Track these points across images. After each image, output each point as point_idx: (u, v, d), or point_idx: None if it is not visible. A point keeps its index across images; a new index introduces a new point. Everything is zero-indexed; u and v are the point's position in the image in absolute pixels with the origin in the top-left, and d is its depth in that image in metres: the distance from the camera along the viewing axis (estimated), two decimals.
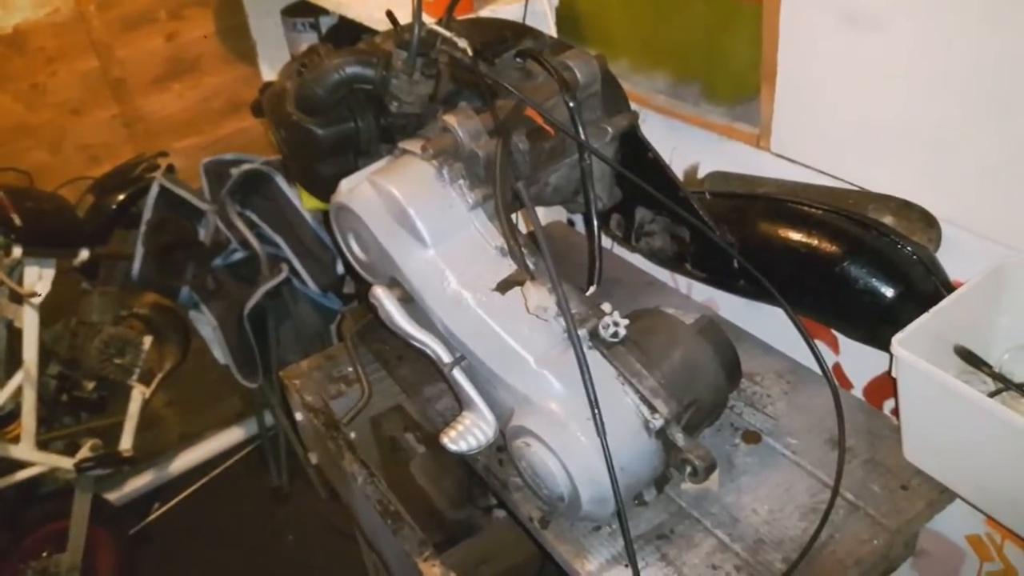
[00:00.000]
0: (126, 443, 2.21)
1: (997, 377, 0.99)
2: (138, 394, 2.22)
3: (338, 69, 1.01)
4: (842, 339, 1.25)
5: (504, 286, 0.93)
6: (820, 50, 1.10)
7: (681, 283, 1.50)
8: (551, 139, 1.05)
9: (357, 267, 1.10)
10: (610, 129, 1.10)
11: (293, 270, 2.08)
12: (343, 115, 1.07)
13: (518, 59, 1.11)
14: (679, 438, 0.95)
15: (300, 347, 2.26)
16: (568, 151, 1.10)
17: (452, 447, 1.00)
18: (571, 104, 1.04)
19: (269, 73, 2.45)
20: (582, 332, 0.93)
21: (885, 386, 1.23)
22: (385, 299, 1.01)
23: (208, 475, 2.67)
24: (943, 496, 1.02)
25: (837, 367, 1.28)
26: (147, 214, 2.02)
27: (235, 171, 2.06)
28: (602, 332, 0.95)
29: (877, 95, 1.06)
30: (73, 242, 1.99)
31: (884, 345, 1.09)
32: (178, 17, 2.37)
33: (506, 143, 0.97)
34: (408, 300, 1.02)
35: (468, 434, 1.01)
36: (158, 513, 2.57)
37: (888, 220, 1.08)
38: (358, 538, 1.70)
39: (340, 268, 2.12)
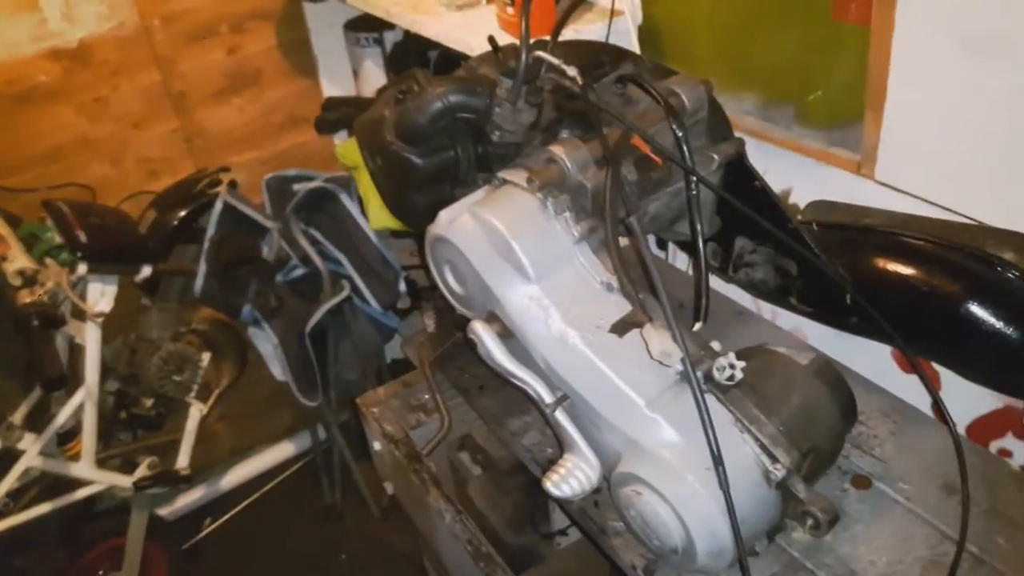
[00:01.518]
0: (183, 461, 2.20)
1: None
2: (196, 411, 2.20)
3: (442, 97, 0.97)
4: (945, 374, 1.19)
5: (621, 328, 0.89)
6: (937, 76, 1.05)
7: (764, 310, 1.45)
8: (658, 168, 1.00)
9: (451, 299, 1.06)
10: (716, 157, 1.06)
11: (355, 288, 2.05)
12: (443, 144, 1.03)
13: (618, 84, 1.07)
14: (800, 489, 0.89)
15: (358, 364, 2.23)
16: (671, 180, 1.05)
17: (555, 492, 0.96)
18: (679, 132, 0.99)
19: (330, 87, 2.44)
20: (698, 375, 0.88)
21: (991, 426, 1.17)
22: (485, 335, 0.97)
23: (260, 490, 2.64)
24: None
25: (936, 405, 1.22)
26: (210, 230, 2.01)
27: (297, 187, 2.03)
28: (717, 375, 0.90)
29: (997, 124, 1.01)
30: (136, 258, 1.98)
31: (1007, 388, 1.04)
32: (240, 30, 2.36)
33: (616, 174, 0.92)
34: (507, 335, 0.98)
35: (571, 477, 0.96)
36: (210, 529, 2.55)
37: (1009, 256, 1.02)
38: (427, 565, 1.67)
39: (402, 286, 2.09)
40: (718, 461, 0.84)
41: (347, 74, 2.32)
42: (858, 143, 1.20)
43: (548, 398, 0.96)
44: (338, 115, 2.16)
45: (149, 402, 2.15)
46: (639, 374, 0.91)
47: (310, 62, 2.43)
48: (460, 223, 0.98)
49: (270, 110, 2.48)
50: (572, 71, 0.94)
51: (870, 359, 1.23)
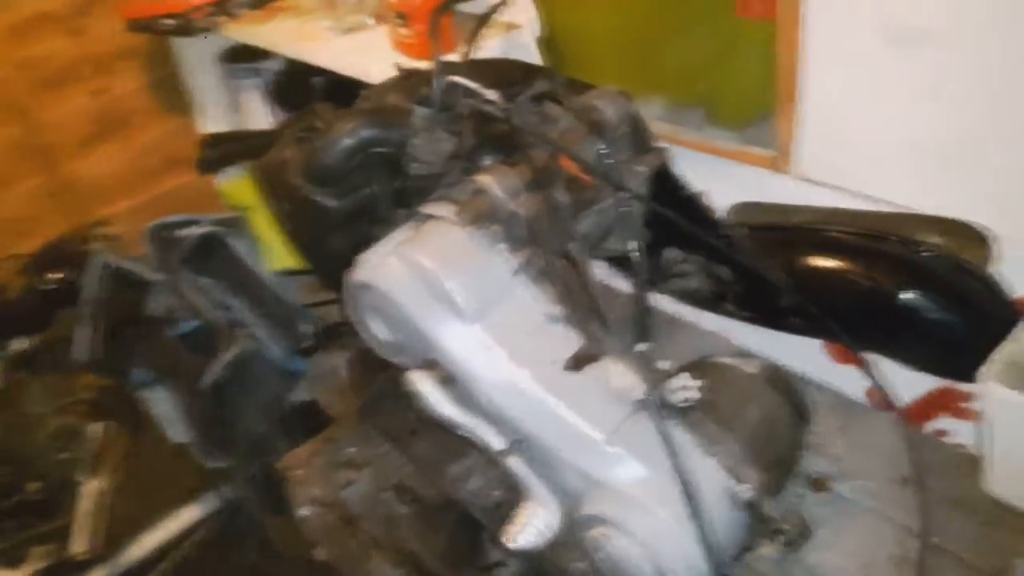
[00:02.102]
0: (80, 545, 2.00)
1: None
2: (90, 488, 2.02)
3: (353, 133, 0.90)
4: (876, 362, 1.20)
5: (577, 363, 0.83)
6: (853, 68, 1.04)
7: (687, 313, 1.43)
8: (589, 188, 0.95)
9: (379, 349, 0.97)
10: (642, 169, 1.02)
11: (255, 336, 1.92)
12: (357, 182, 0.95)
13: (534, 103, 1.01)
14: (769, 506, 0.86)
15: (264, 415, 2.10)
16: (600, 198, 1.00)
17: (515, 546, 0.89)
18: (605, 149, 0.95)
19: (208, 125, 2.29)
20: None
21: (926, 407, 1.18)
22: (425, 385, 0.90)
23: (169, 560, 2.46)
24: None
25: (872, 392, 1.22)
26: (90, 291, 1.84)
27: (183, 234, 1.89)
28: (671, 398, 0.86)
29: (917, 111, 1.01)
30: (6, 330, 1.80)
31: (951, 374, 1.04)
32: (105, 71, 2.18)
33: (550, 198, 0.87)
34: (449, 382, 0.91)
35: (530, 527, 0.90)
36: None
37: (936, 240, 1.02)
38: None
39: (305, 329, 1.97)
40: (691, 494, 0.79)
41: (225, 108, 2.19)
42: (771, 139, 1.19)
43: (500, 444, 0.89)
44: (222, 152, 2.03)
45: (34, 485, 1.95)
46: (595, 408, 0.86)
47: (183, 99, 2.28)
48: (385, 266, 0.90)
49: (144, 154, 2.31)
50: (493, 95, 0.88)
51: (801, 353, 1.21)
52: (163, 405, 2.04)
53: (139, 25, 1.83)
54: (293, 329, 1.99)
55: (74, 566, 1.94)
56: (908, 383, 1.12)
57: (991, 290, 0.98)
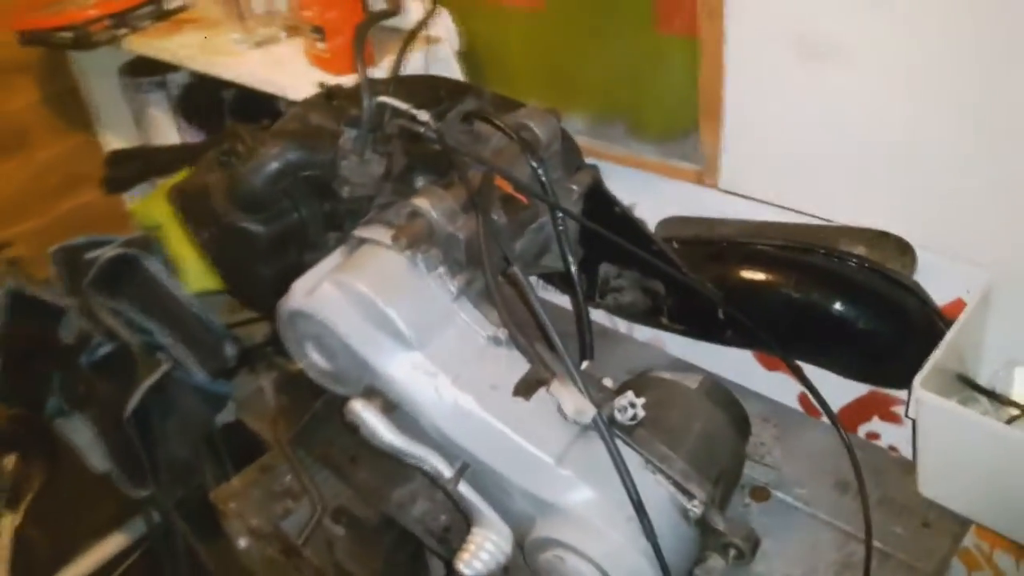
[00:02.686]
0: None
1: (994, 396, 1.00)
2: (7, 523, 1.92)
3: (279, 157, 0.86)
4: (807, 369, 1.22)
5: (526, 389, 0.82)
6: (774, 82, 1.06)
7: (620, 325, 1.44)
8: (525, 207, 0.95)
9: (318, 379, 0.94)
10: (575, 187, 1.02)
11: (174, 359, 1.85)
12: (284, 207, 0.92)
13: (464, 122, 1.00)
14: (718, 521, 0.87)
15: (188, 440, 2.02)
16: (536, 216, 1.00)
17: (469, 572, 0.87)
18: (538, 167, 0.94)
19: (112, 141, 2.19)
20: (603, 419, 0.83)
21: (858, 411, 1.21)
22: (366, 414, 0.87)
23: None
24: (963, 528, 1.00)
25: (804, 398, 1.25)
26: None
27: (92, 255, 1.80)
28: (619, 416, 0.86)
29: (840, 124, 1.03)
30: None
31: (882, 382, 1.07)
32: None
33: (487, 220, 0.86)
34: (391, 409, 0.88)
35: (482, 552, 0.89)
36: None
37: (861, 251, 1.05)
38: None
39: (230, 350, 1.91)
40: (641, 510, 0.79)
41: (129, 123, 2.09)
42: (696, 153, 1.20)
43: (447, 472, 0.88)
44: (129, 170, 1.95)
45: None
46: (543, 431, 0.85)
47: (84, 114, 2.18)
48: (320, 293, 0.87)
49: (43, 172, 2.19)
50: (424, 115, 0.87)
51: (732, 361, 1.24)
52: (81, 434, 1.95)
53: (33, 37, 1.73)
54: (216, 351, 1.92)
55: None
56: (839, 388, 1.16)
57: (918, 299, 1.01)
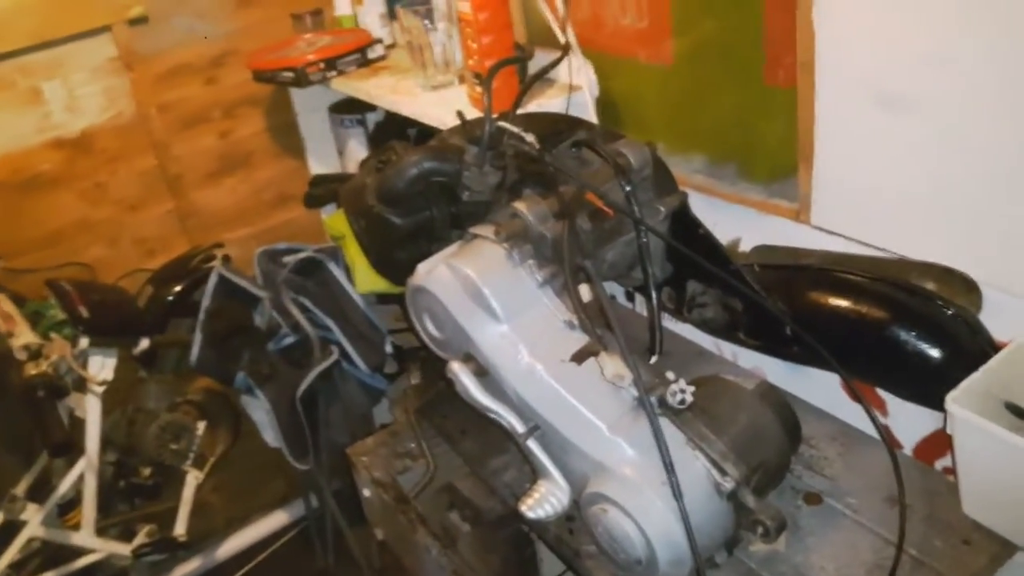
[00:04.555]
0: (180, 528, 2.25)
1: None
2: (192, 479, 2.27)
3: (417, 164, 1.10)
4: (891, 401, 1.30)
5: (579, 357, 1.00)
6: (856, 130, 1.18)
7: (726, 351, 1.56)
8: (610, 220, 1.13)
9: (431, 344, 1.16)
10: (663, 208, 1.18)
11: (344, 352, 2.15)
12: (419, 205, 1.16)
13: (573, 148, 1.20)
14: (749, 500, 0.99)
15: (348, 427, 2.31)
16: (624, 230, 1.17)
17: (530, 515, 1.05)
18: (627, 187, 1.12)
19: (316, 166, 2.58)
20: (652, 399, 0.98)
21: (935, 446, 1.27)
22: (461, 373, 1.07)
23: (255, 559, 2.68)
24: (1004, 550, 1.05)
25: (887, 429, 1.32)
26: (206, 302, 2.11)
27: (288, 259, 2.15)
28: (670, 399, 1.00)
29: (912, 169, 1.13)
30: (134, 331, 2.08)
31: (934, 404, 1.13)
32: (231, 116, 2.51)
33: (571, 225, 1.04)
34: (482, 374, 1.08)
35: (544, 502, 1.06)
36: None
37: (930, 286, 1.14)
38: None
39: (389, 348, 2.19)
40: (670, 471, 0.93)
41: (332, 153, 2.46)
42: (795, 193, 1.33)
43: (520, 428, 1.06)
44: (324, 190, 2.29)
45: (147, 471, 2.22)
46: (600, 401, 1.02)
47: (297, 143, 2.57)
48: (437, 274, 1.09)
49: (260, 189, 2.62)
50: (530, 137, 1.07)
51: (822, 392, 1.33)
52: (259, 412, 2.29)
53: (263, 76, 2.12)
54: (378, 349, 2.21)
55: (175, 545, 2.18)
56: (919, 421, 1.23)
57: (973, 330, 1.09)
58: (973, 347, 1.07)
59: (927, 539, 1.07)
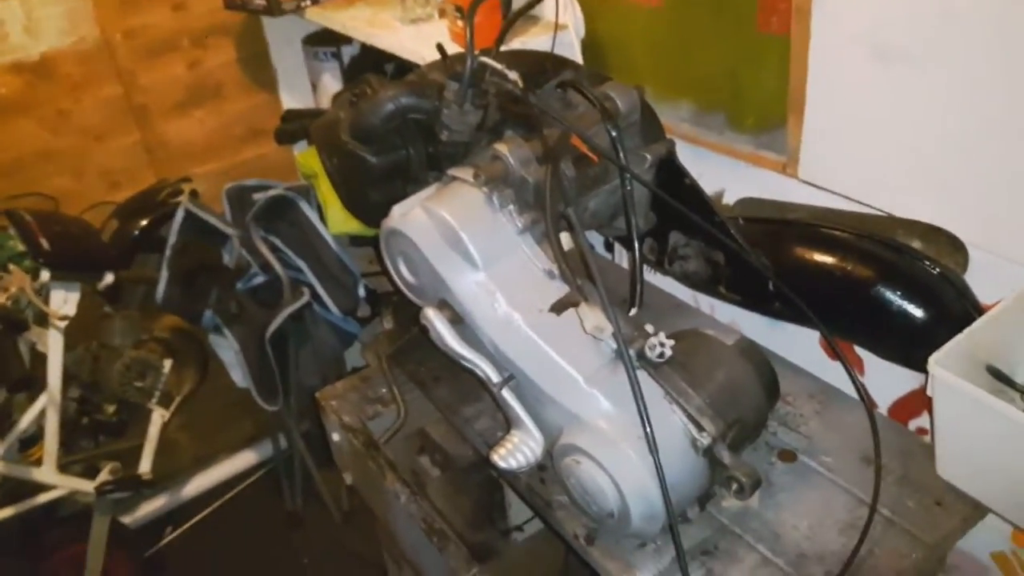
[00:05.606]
0: (145, 466, 2.22)
1: None
2: (158, 417, 2.24)
3: (394, 99, 1.05)
4: (867, 359, 1.29)
5: (559, 307, 0.97)
6: (849, 82, 1.15)
7: (703, 304, 1.54)
8: (594, 166, 1.09)
9: (405, 289, 1.13)
10: (649, 156, 1.14)
11: (315, 294, 2.11)
12: (395, 143, 1.11)
13: (559, 89, 1.15)
14: (725, 456, 0.98)
15: (318, 370, 2.28)
16: (608, 178, 1.13)
17: (502, 464, 1.03)
18: (613, 132, 1.08)
19: (289, 101, 2.50)
20: (630, 352, 0.96)
21: (910, 406, 1.26)
22: (436, 320, 1.04)
23: (222, 498, 2.67)
24: (976, 512, 1.05)
25: (863, 387, 1.31)
26: (172, 238, 2.05)
27: (258, 196, 2.08)
28: (648, 353, 0.98)
29: (905, 125, 1.10)
30: (98, 266, 2.02)
31: (916, 365, 1.13)
32: (200, 45, 2.41)
33: (555, 170, 1.00)
34: (458, 321, 1.05)
35: (517, 452, 1.04)
36: (172, 536, 2.57)
37: (916, 244, 1.12)
38: (386, 559, 1.72)
39: (362, 291, 2.15)
40: (646, 424, 0.91)
41: (306, 87, 2.38)
42: (783, 145, 1.29)
43: (496, 378, 1.03)
44: (297, 126, 2.22)
45: (111, 408, 2.18)
46: (577, 352, 0.99)
47: (270, 76, 2.49)
48: (412, 216, 1.05)
49: (230, 122, 2.53)
50: (513, 75, 1.02)
51: (801, 348, 1.32)
52: (227, 352, 2.25)
53: (234, 3, 2.03)
54: (351, 292, 2.17)
55: (140, 483, 2.15)
56: (896, 381, 1.22)
57: (958, 291, 1.07)
58: (958, 309, 1.06)
59: (900, 499, 1.07)
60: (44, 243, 1.88)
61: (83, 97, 2.31)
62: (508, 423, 1.07)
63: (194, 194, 2.14)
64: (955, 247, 1.10)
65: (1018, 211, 1.03)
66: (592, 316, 0.92)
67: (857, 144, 1.18)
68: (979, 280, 1.09)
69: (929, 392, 1.00)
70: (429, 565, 1.23)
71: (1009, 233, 1.05)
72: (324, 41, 2.22)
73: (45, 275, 1.89)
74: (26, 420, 1.99)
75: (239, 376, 2.26)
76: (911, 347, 1.08)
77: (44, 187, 2.25)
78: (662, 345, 0.98)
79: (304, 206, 2.09)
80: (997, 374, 1.03)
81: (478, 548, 1.58)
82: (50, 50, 2.22)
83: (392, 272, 1.12)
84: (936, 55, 1.03)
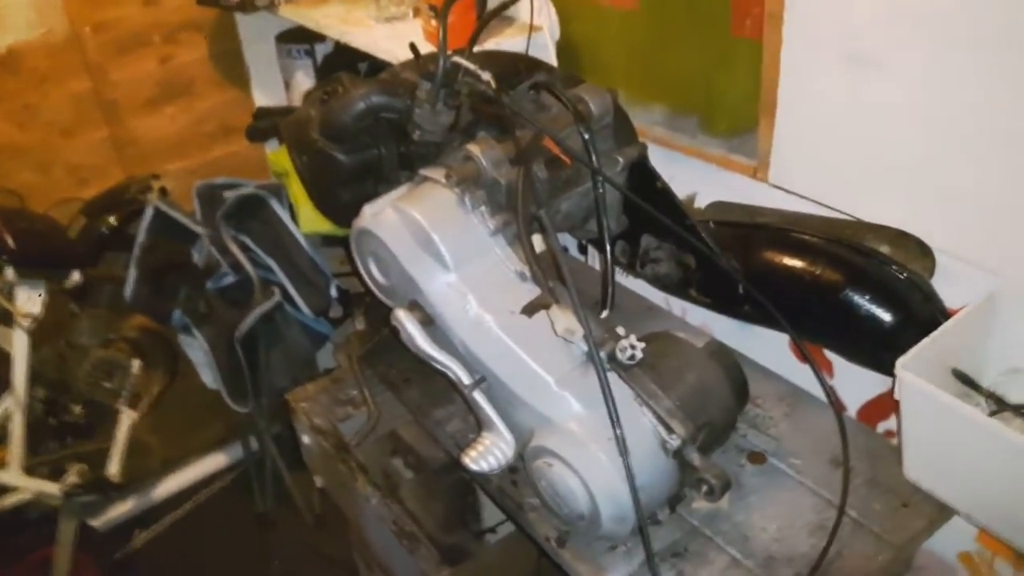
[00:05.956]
0: (113, 468, 2.19)
1: (993, 398, 1.05)
2: (126, 418, 2.21)
3: (365, 98, 1.04)
4: (837, 363, 1.30)
5: (530, 309, 0.96)
6: (820, 87, 1.15)
7: (675, 308, 1.54)
8: (567, 168, 1.09)
9: (375, 290, 1.12)
10: (621, 159, 1.15)
11: (286, 294, 2.09)
12: (366, 143, 1.10)
13: (532, 91, 1.15)
14: (695, 458, 0.98)
15: (289, 372, 2.26)
16: (581, 180, 1.13)
17: (474, 467, 1.02)
18: (586, 135, 1.08)
19: (262, 98, 2.47)
20: (601, 354, 0.96)
21: (878, 408, 1.27)
22: (407, 321, 1.03)
23: (192, 501, 2.64)
24: (942, 514, 1.06)
25: (832, 390, 1.32)
26: (141, 236, 2.03)
27: (228, 195, 2.07)
28: (619, 355, 0.98)
29: (875, 130, 1.11)
30: (65, 264, 1.99)
31: (884, 369, 1.14)
32: (172, 41, 2.38)
33: (527, 171, 1.00)
34: (429, 323, 1.04)
35: (489, 454, 1.03)
36: (141, 539, 2.53)
37: (885, 249, 1.13)
38: (357, 562, 1.71)
39: (334, 291, 2.13)
40: (616, 426, 0.91)
41: (279, 85, 2.36)
42: (755, 150, 1.30)
43: (467, 380, 1.03)
44: (269, 124, 2.21)
45: (78, 409, 2.15)
46: (549, 355, 0.99)
47: (242, 73, 2.47)
48: (383, 217, 1.04)
49: (201, 119, 2.50)
50: (486, 75, 1.02)
51: (770, 351, 1.33)
52: (196, 352, 2.22)
53: None
54: (322, 292, 2.15)
55: (108, 485, 2.12)
56: (864, 384, 1.23)
57: (925, 296, 1.08)
58: (925, 313, 1.07)
59: (867, 501, 1.08)
60: (9, 240, 1.84)
61: (51, 91, 2.27)
62: (479, 425, 1.06)
63: (164, 192, 2.11)
64: (923, 252, 1.11)
65: (985, 217, 1.04)
66: (563, 318, 0.92)
67: (827, 149, 1.19)
68: (946, 285, 1.10)
69: (896, 395, 1.01)
70: (400, 568, 1.22)
71: (976, 239, 1.06)
72: (297, 38, 2.20)
73: (10, 273, 1.86)
74: None
75: (209, 377, 2.24)
76: (879, 351, 1.09)
77: (10, 182, 2.21)
78: (633, 347, 0.98)
79: (276, 205, 2.07)
80: (963, 378, 1.05)
81: (449, 551, 1.58)
82: (17, 43, 2.19)
83: (363, 273, 1.12)
84: (906, 61, 1.04)
